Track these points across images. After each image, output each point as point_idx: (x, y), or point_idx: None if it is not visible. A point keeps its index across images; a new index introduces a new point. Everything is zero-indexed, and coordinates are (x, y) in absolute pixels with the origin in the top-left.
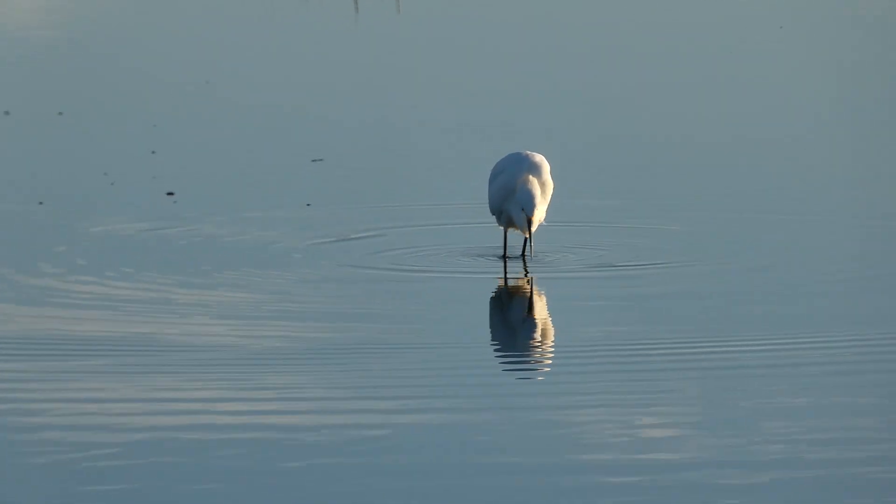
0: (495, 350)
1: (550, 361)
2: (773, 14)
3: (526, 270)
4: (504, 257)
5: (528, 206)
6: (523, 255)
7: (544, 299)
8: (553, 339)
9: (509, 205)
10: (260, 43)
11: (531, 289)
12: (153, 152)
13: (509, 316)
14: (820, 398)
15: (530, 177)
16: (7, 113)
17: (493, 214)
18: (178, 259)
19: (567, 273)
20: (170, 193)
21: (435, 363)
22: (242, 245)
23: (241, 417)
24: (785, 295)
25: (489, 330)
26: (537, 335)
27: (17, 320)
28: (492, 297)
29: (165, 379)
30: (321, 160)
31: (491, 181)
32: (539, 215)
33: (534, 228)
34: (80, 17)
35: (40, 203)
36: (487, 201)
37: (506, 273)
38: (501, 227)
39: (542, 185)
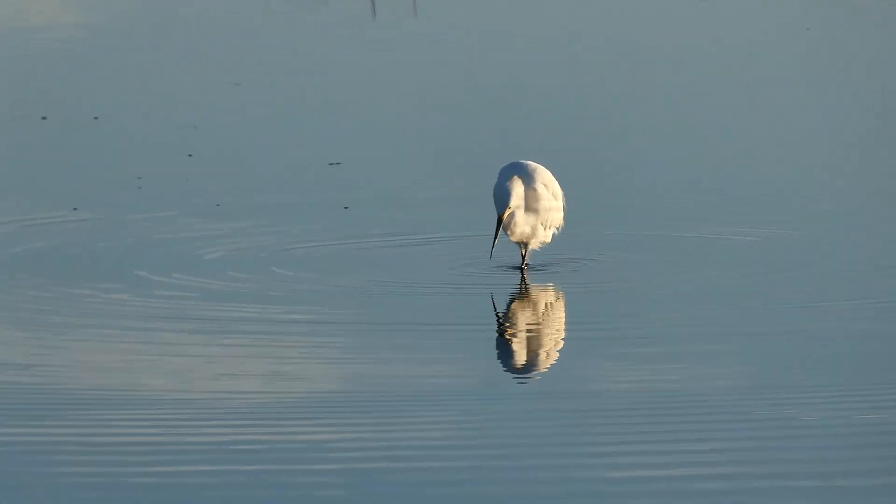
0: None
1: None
2: (800, 16)
3: (526, 283)
4: (522, 268)
5: (501, 200)
6: (525, 266)
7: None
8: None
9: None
10: (280, 45)
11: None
12: (190, 155)
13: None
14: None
15: (516, 177)
16: (44, 118)
17: None
18: (207, 270)
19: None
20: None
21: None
22: (282, 255)
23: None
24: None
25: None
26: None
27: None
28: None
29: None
30: (339, 163)
31: None
32: (522, 228)
33: (527, 241)
34: (114, 23)
35: (74, 209)
36: None
37: (525, 283)
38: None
39: (532, 192)
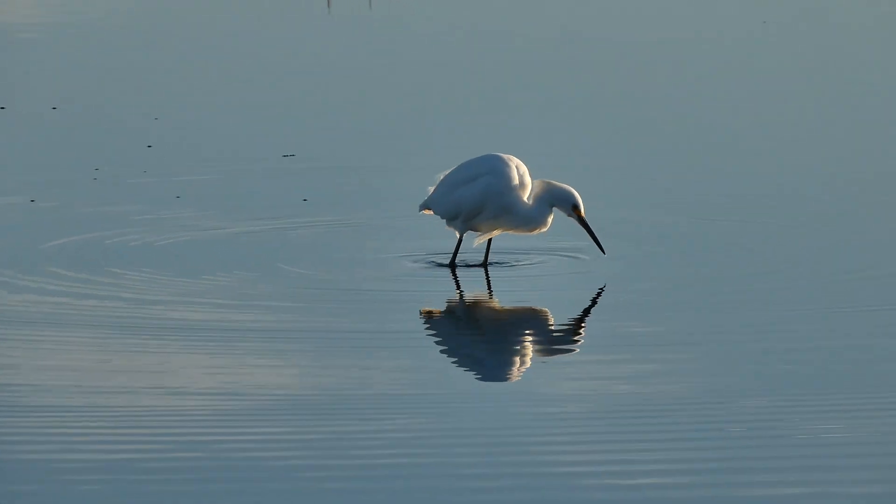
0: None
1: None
2: (755, 9)
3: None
4: (453, 264)
5: (575, 198)
6: (485, 264)
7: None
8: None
9: (490, 207)
10: (235, 37)
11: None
12: (149, 146)
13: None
14: None
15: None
16: (2, 108)
17: (457, 218)
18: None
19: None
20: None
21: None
22: (241, 251)
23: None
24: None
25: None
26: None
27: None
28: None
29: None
30: (293, 155)
31: (460, 183)
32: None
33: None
34: (72, 14)
35: (32, 201)
36: (453, 204)
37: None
38: (457, 232)
39: (524, 187)
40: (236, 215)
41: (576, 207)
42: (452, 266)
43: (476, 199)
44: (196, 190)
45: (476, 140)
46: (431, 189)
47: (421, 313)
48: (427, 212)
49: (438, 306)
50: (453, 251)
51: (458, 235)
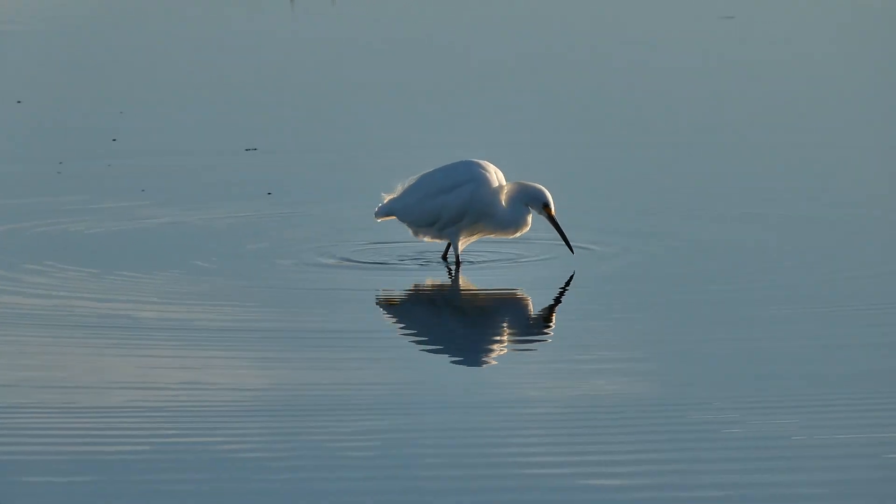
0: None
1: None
2: (721, 4)
3: (451, 275)
4: (458, 261)
5: (546, 196)
6: (445, 258)
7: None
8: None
9: (472, 214)
10: (198, 31)
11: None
12: (114, 140)
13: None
14: None
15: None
16: None
17: (432, 226)
18: (112, 255)
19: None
20: None
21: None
22: (207, 240)
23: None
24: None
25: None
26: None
27: None
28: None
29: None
30: (255, 149)
31: (439, 192)
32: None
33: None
34: (37, 9)
35: None
36: (431, 212)
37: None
38: (448, 238)
39: (501, 191)
40: (200, 208)
41: (546, 206)
42: (456, 262)
43: (461, 207)
44: (160, 183)
45: (443, 136)
46: (387, 196)
47: (381, 306)
48: (385, 219)
49: (411, 301)
50: (455, 252)
51: (452, 241)
